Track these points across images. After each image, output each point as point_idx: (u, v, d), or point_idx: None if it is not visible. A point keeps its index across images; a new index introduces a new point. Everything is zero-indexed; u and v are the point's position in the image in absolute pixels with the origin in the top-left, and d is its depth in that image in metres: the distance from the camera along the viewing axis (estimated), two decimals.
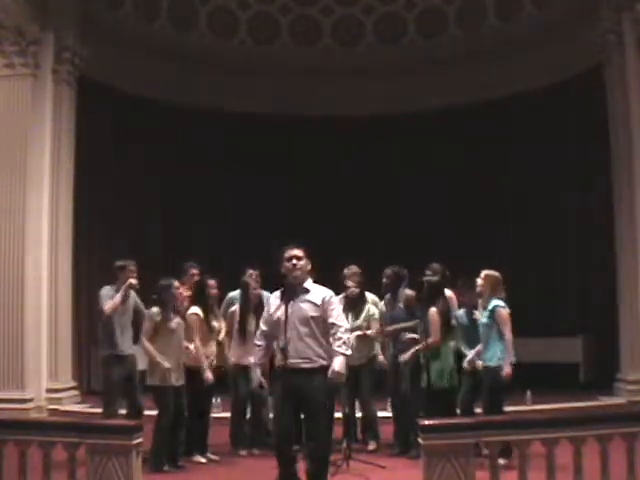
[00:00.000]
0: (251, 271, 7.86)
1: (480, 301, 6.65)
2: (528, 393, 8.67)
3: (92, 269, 11.10)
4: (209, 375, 6.65)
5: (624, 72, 9.41)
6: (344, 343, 4.84)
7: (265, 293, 7.25)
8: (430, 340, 6.45)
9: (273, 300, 5.05)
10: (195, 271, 7.32)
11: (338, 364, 4.75)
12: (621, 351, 9.63)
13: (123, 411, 6.92)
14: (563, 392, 9.51)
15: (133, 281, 6.81)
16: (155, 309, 6.48)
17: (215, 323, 7.07)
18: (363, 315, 7.23)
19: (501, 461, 5.20)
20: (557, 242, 11.69)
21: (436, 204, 12.39)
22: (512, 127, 11.86)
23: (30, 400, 9.04)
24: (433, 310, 6.50)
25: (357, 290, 7.25)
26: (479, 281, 6.50)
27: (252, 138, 12.47)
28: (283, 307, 4.87)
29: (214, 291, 7.23)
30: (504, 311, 6.29)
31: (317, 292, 4.97)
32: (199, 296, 6.96)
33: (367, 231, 12.36)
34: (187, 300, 6.93)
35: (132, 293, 6.99)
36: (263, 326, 5.09)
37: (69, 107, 10.04)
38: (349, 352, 4.89)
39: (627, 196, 9.45)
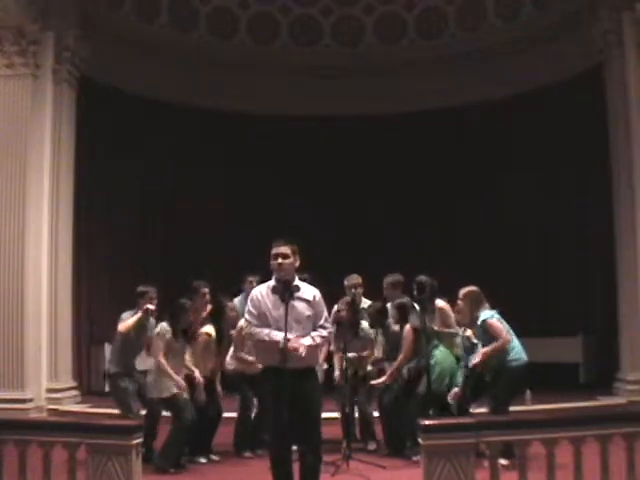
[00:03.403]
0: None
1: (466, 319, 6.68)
2: (528, 393, 8.64)
3: (92, 269, 11.11)
4: (183, 384, 6.56)
5: (624, 72, 9.41)
6: (320, 337, 4.79)
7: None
8: (400, 358, 6.63)
9: (261, 296, 4.86)
10: (205, 290, 7.24)
11: (304, 340, 4.68)
12: (621, 351, 9.64)
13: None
14: (563, 392, 9.52)
15: (150, 307, 6.77)
16: (165, 325, 6.54)
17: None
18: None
19: (503, 462, 5.20)
20: (557, 242, 11.70)
21: (436, 203, 12.40)
22: (512, 127, 11.87)
23: (30, 400, 9.04)
24: (408, 327, 6.62)
25: (345, 314, 7.11)
26: (459, 302, 6.54)
27: (252, 138, 12.47)
28: (282, 306, 4.75)
29: (233, 314, 7.19)
30: (493, 320, 6.32)
31: (306, 291, 4.87)
32: (215, 317, 6.98)
33: (367, 231, 12.37)
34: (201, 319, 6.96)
35: (152, 320, 6.96)
36: (254, 321, 4.87)
37: (69, 107, 10.06)
38: (318, 341, 4.79)
39: (627, 196, 9.45)
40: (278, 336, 4.68)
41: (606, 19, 9.77)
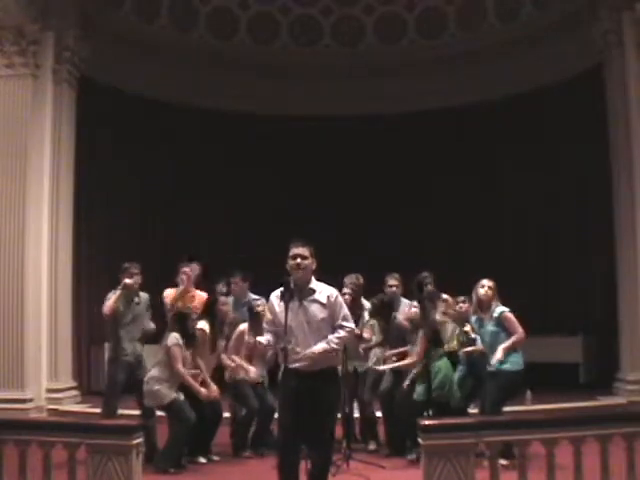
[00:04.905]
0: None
1: (474, 311, 6.64)
2: (528, 393, 8.66)
3: (92, 269, 11.10)
4: (204, 392, 6.58)
5: (624, 72, 9.41)
6: (338, 338, 4.73)
7: (252, 296, 7.43)
8: (411, 360, 6.63)
9: (275, 300, 4.89)
10: (187, 269, 7.17)
11: (317, 347, 4.65)
12: (621, 351, 9.64)
13: (122, 411, 6.91)
14: (563, 392, 9.51)
15: (128, 281, 6.72)
16: (176, 335, 6.52)
17: (222, 342, 7.06)
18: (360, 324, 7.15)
19: (503, 462, 5.19)
20: (557, 242, 11.71)
21: (436, 204, 12.40)
22: (512, 127, 11.86)
23: (30, 400, 9.03)
24: (421, 334, 6.58)
25: (349, 297, 7.02)
26: (481, 290, 6.46)
27: (252, 138, 12.47)
28: (292, 308, 4.73)
29: (225, 307, 7.20)
30: (511, 314, 6.34)
31: (323, 291, 4.81)
32: (208, 312, 6.96)
33: (367, 231, 12.36)
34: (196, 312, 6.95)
35: (145, 296, 6.96)
36: (268, 327, 4.94)
37: (69, 107, 10.05)
38: (335, 346, 4.72)
39: (627, 196, 9.45)
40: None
41: (606, 19, 9.77)
